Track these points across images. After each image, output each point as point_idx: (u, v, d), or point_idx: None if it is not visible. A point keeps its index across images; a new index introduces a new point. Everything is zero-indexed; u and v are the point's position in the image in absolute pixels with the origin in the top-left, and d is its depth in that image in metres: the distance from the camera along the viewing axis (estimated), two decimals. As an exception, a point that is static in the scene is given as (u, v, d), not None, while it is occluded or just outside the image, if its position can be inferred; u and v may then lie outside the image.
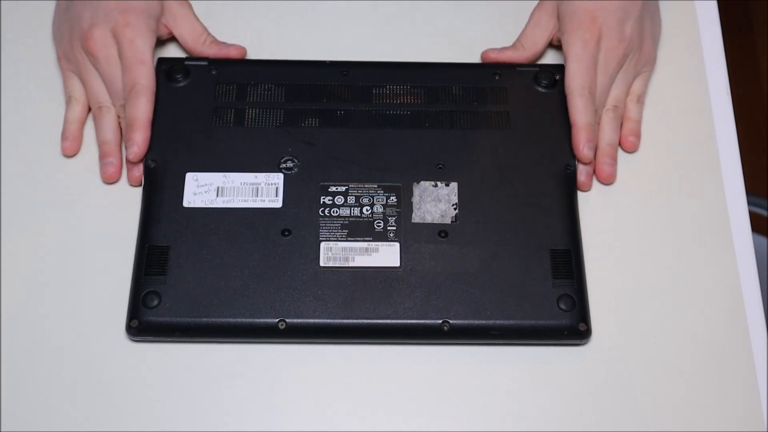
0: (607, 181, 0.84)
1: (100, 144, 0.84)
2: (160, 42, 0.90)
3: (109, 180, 0.83)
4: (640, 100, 0.87)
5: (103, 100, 0.84)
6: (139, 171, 0.82)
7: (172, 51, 0.89)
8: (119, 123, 0.84)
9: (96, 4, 0.84)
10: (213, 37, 0.88)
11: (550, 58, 0.90)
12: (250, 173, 0.82)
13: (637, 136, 0.86)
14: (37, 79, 0.88)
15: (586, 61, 0.84)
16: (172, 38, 0.89)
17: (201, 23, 0.88)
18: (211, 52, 0.87)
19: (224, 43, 0.88)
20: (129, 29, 0.83)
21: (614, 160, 0.84)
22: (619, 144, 0.86)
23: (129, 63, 0.83)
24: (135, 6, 0.84)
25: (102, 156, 0.84)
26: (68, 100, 0.86)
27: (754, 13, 1.92)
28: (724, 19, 0.95)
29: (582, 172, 0.83)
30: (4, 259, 0.80)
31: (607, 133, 0.85)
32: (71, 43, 0.85)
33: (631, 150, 0.86)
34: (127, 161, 0.83)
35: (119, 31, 0.83)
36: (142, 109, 0.82)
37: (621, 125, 0.86)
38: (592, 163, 0.84)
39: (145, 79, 0.83)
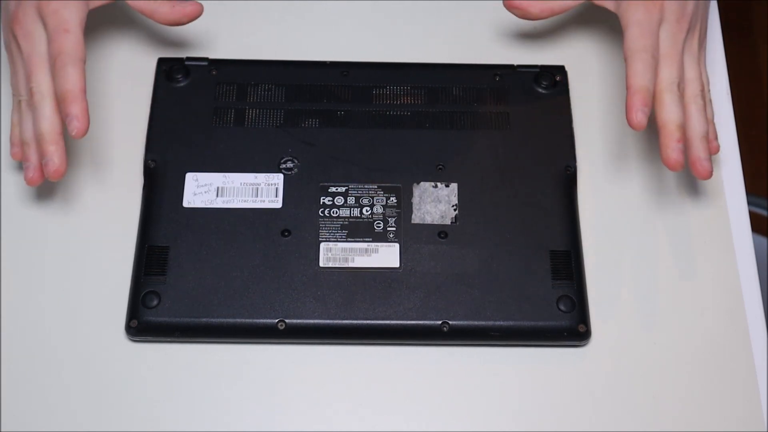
0: (708, 178, 0.78)
1: (21, 144, 0.78)
2: (160, 42, 0.90)
3: (32, 184, 0.77)
4: (710, 98, 0.82)
5: (22, 92, 0.78)
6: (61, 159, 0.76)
7: (172, 51, 0.89)
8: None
9: None
10: None
11: (551, 58, 0.90)
12: (250, 173, 0.82)
13: (717, 138, 0.81)
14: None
15: (649, 27, 0.78)
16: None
17: None
18: (164, 9, 0.82)
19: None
20: (52, 3, 0.76)
21: (707, 149, 0.78)
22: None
23: (52, 34, 0.76)
24: None
25: (24, 159, 0.77)
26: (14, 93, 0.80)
27: (754, 13, 1.92)
28: (724, 19, 0.95)
29: (672, 147, 0.75)
30: (3, 258, 0.80)
31: (699, 123, 0.78)
32: (7, 32, 0.80)
33: (715, 153, 0.80)
34: (73, 137, 0.75)
35: (42, 6, 0.76)
36: (72, 79, 0.74)
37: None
38: (676, 132, 0.76)
39: (70, 47, 0.75)
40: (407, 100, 0.86)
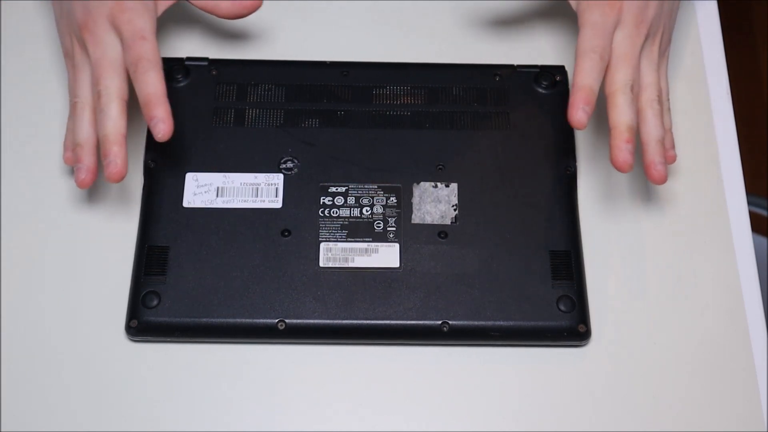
0: (660, 182, 0.77)
1: (74, 146, 0.78)
2: (160, 42, 0.89)
3: (81, 187, 0.78)
4: (668, 107, 0.82)
5: (82, 96, 0.79)
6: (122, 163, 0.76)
7: (172, 51, 0.89)
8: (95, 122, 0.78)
9: None
10: None
11: (551, 58, 0.90)
12: (250, 173, 0.82)
13: (674, 148, 0.80)
14: (37, 79, 0.88)
15: (603, 29, 0.78)
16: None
17: None
18: (226, 5, 0.84)
19: None
20: (125, 12, 0.78)
21: (663, 156, 0.77)
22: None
23: (129, 42, 0.77)
24: None
25: (76, 160, 0.78)
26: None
27: (754, 13, 1.92)
28: (724, 19, 0.95)
29: (620, 148, 0.75)
30: (4, 258, 0.80)
31: (655, 128, 0.78)
32: (70, 39, 0.82)
33: (671, 162, 0.80)
34: (158, 140, 0.76)
35: (115, 15, 0.79)
36: (154, 83, 0.76)
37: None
38: (626, 132, 0.76)
39: (149, 53, 0.77)
40: (407, 100, 0.86)
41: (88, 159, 0.77)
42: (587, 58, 0.76)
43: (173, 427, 0.75)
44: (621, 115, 0.76)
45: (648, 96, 0.79)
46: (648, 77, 0.79)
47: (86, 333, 0.77)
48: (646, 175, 0.78)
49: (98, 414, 0.75)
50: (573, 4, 0.82)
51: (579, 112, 0.75)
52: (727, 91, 0.90)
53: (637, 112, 0.78)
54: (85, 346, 0.77)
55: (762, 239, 1.26)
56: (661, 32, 0.81)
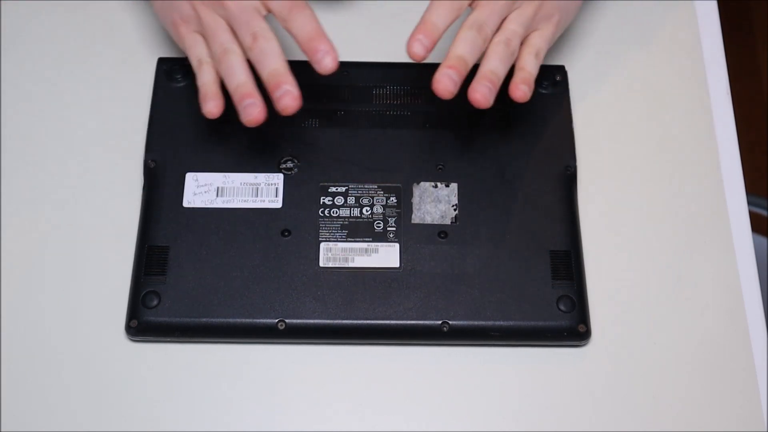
0: (480, 104, 0.76)
1: (234, 88, 0.77)
2: (160, 42, 0.90)
3: (255, 123, 0.76)
4: (539, 56, 0.80)
5: (227, 42, 0.77)
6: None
7: (172, 51, 0.89)
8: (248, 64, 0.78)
9: None
10: None
11: (551, 58, 0.90)
12: (250, 173, 0.82)
13: (530, 86, 0.78)
14: (38, 79, 0.88)
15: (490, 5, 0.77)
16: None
17: None
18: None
19: None
20: None
21: (494, 86, 0.76)
22: (510, 93, 0.78)
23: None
24: None
25: (241, 98, 0.76)
26: (198, 64, 0.79)
27: (754, 13, 1.92)
28: (724, 19, 0.95)
29: (442, 73, 0.75)
30: (4, 258, 0.80)
31: (492, 61, 0.77)
32: (190, 5, 0.79)
33: (522, 100, 0.78)
34: (322, 75, 0.76)
35: None
36: (311, 20, 0.76)
37: (513, 67, 0.79)
38: (452, 60, 0.76)
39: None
40: (407, 100, 0.86)
41: (257, 95, 0.77)
42: (467, 27, 0.77)
43: (173, 427, 0.75)
44: (457, 47, 0.77)
45: (498, 38, 0.78)
46: (510, 24, 0.79)
47: (86, 333, 0.77)
48: (469, 98, 0.76)
49: (98, 414, 0.75)
50: None
51: (416, 43, 0.76)
52: (727, 91, 0.90)
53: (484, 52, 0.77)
54: (85, 346, 0.77)
55: (762, 239, 1.26)
56: (552, 5, 0.80)
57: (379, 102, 0.86)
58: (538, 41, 0.81)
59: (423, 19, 0.76)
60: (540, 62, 0.80)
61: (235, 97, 0.77)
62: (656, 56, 0.90)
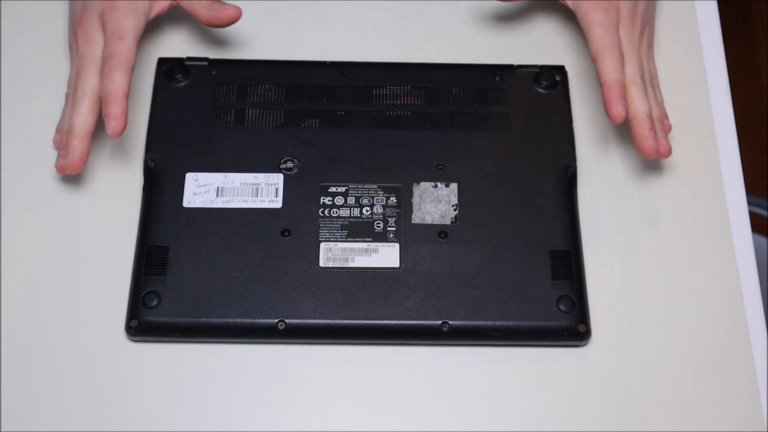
0: (668, 155, 0.81)
1: (58, 133, 0.82)
2: (160, 42, 0.90)
3: (59, 172, 0.81)
4: (658, 84, 0.86)
5: (69, 87, 0.83)
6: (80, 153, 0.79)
7: (172, 51, 0.89)
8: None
9: None
10: None
11: (551, 58, 0.90)
12: (250, 173, 0.82)
13: (668, 117, 0.84)
14: (37, 79, 0.88)
15: (610, 26, 0.82)
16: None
17: None
18: (203, 12, 0.85)
19: (218, 2, 0.85)
20: (114, 10, 0.82)
21: (666, 134, 0.82)
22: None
23: (108, 40, 0.81)
24: None
25: (58, 146, 0.82)
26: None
27: (754, 13, 1.92)
28: (724, 19, 0.95)
29: (646, 137, 0.80)
30: (4, 258, 0.80)
31: (655, 108, 0.83)
32: (72, 34, 0.84)
33: (668, 131, 0.83)
34: (109, 136, 0.79)
35: (105, 15, 0.82)
36: (117, 81, 0.79)
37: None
38: (648, 121, 0.80)
39: (121, 53, 0.80)
40: (407, 100, 0.86)
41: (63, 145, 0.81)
42: (608, 54, 0.81)
43: (173, 427, 0.75)
44: (639, 105, 0.81)
45: (648, 82, 0.83)
46: (645, 65, 0.84)
47: (86, 333, 0.77)
48: (637, 149, 0.80)
49: (98, 414, 0.75)
50: (570, 4, 0.85)
51: (618, 106, 0.79)
52: (727, 91, 0.90)
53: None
54: (85, 346, 0.77)
55: (762, 239, 1.26)
56: (648, 25, 0.86)
57: (379, 102, 0.86)
58: (655, 67, 0.86)
59: (610, 82, 0.80)
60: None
61: (62, 141, 0.81)
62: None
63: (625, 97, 0.80)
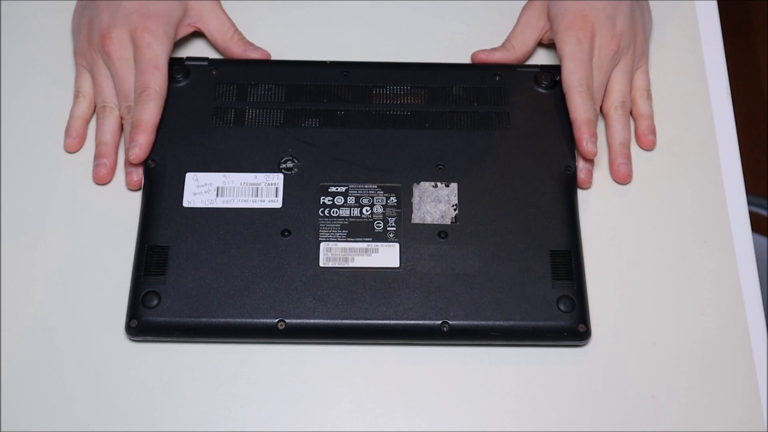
0: (625, 181, 0.84)
1: (98, 144, 0.84)
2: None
3: (100, 181, 0.83)
4: (649, 95, 0.87)
5: (109, 101, 0.85)
6: (138, 175, 0.82)
7: (174, 51, 0.89)
8: (121, 125, 0.84)
9: (116, 4, 0.84)
10: (241, 34, 0.89)
11: (548, 58, 0.90)
12: (250, 173, 0.82)
13: (654, 133, 0.86)
14: (38, 79, 0.88)
15: (581, 58, 0.84)
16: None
17: (229, 18, 0.89)
18: (237, 50, 0.88)
19: (252, 44, 0.88)
20: (147, 34, 0.83)
21: (629, 159, 0.85)
22: (638, 143, 0.86)
23: (144, 67, 0.83)
24: (155, 10, 0.84)
25: (97, 156, 0.83)
26: (76, 95, 0.86)
27: (754, 13, 1.92)
28: (724, 19, 0.95)
29: (582, 169, 0.83)
30: (4, 258, 0.80)
31: (618, 132, 0.85)
32: (89, 41, 0.85)
33: (650, 148, 0.86)
34: (127, 163, 0.82)
35: (138, 35, 0.83)
36: (150, 113, 0.82)
37: (634, 122, 0.87)
38: (592, 161, 0.83)
39: (157, 84, 0.83)
40: (407, 100, 0.86)
41: (110, 157, 0.83)
42: (576, 93, 0.83)
43: (173, 427, 0.75)
44: (615, 133, 0.85)
45: (612, 101, 0.86)
46: (617, 84, 0.86)
47: (86, 333, 0.77)
48: (610, 173, 0.84)
49: (98, 414, 0.75)
50: (552, 36, 0.87)
51: (589, 144, 0.82)
52: (727, 91, 0.90)
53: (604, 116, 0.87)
54: (85, 346, 0.77)
55: (762, 239, 1.26)
56: (635, 40, 0.87)
57: (379, 102, 0.86)
58: (643, 80, 0.88)
59: (579, 121, 0.83)
60: (651, 99, 0.87)
61: (95, 152, 0.84)
62: (656, 56, 0.90)
63: (595, 133, 0.82)
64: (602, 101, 0.86)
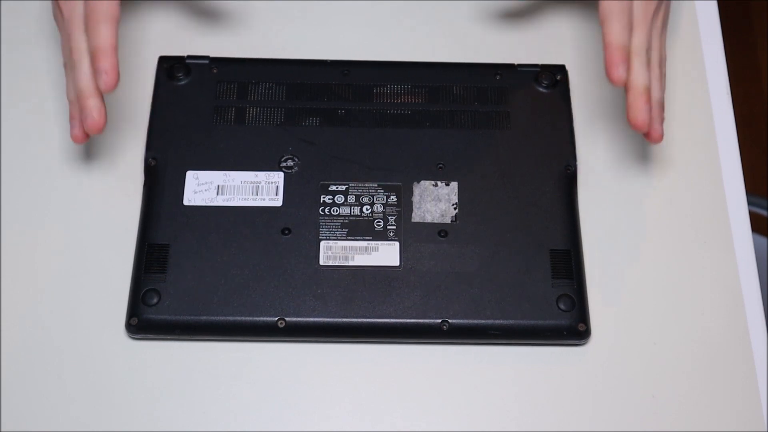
0: (659, 141, 0.80)
1: (69, 103, 0.80)
2: (161, 40, 0.90)
3: (76, 141, 0.79)
4: (665, 67, 0.83)
5: (64, 56, 0.80)
6: (79, 130, 0.78)
7: (173, 49, 0.89)
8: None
9: None
10: None
11: (551, 57, 0.90)
12: (250, 172, 0.82)
13: (663, 110, 0.82)
14: (37, 78, 0.88)
15: None
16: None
17: None
18: None
19: None
20: None
21: (662, 119, 0.80)
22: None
23: None
24: None
25: (70, 117, 0.79)
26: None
27: (754, 13, 1.92)
28: (724, 19, 0.95)
29: (639, 108, 0.77)
30: (4, 257, 0.80)
31: (656, 90, 0.80)
32: (54, 5, 0.82)
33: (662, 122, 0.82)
34: (103, 92, 0.77)
35: None
36: (103, 35, 0.76)
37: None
38: (644, 94, 0.78)
39: (102, 5, 0.77)
40: (408, 98, 0.86)
41: (78, 114, 0.78)
42: (616, 19, 0.78)
43: (173, 426, 0.75)
44: (638, 76, 0.78)
45: (654, 60, 0.80)
46: (655, 43, 0.81)
47: (86, 331, 0.77)
48: (629, 120, 0.78)
49: (98, 413, 0.75)
50: None
51: (619, 69, 0.77)
52: (727, 91, 0.90)
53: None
54: (85, 344, 0.77)
55: (762, 239, 1.26)
56: (664, 7, 0.83)
57: (379, 101, 0.86)
58: (665, 51, 0.83)
59: (614, 44, 0.77)
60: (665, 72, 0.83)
61: (69, 113, 0.79)
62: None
63: (627, 62, 0.77)
64: (649, 60, 0.80)
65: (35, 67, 0.89)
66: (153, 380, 0.76)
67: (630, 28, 0.79)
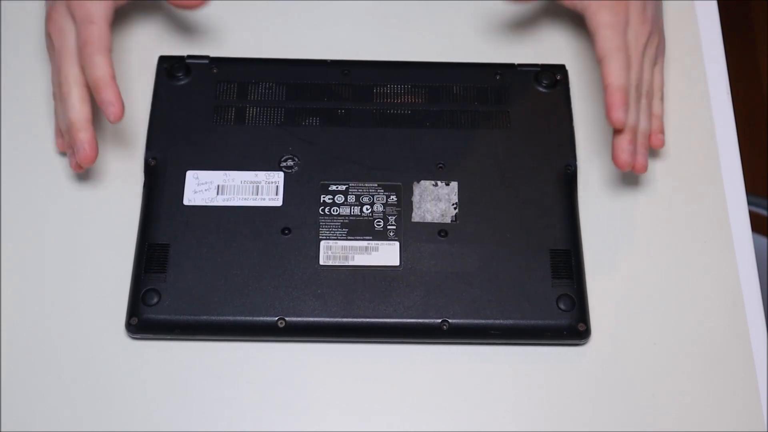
0: (642, 172, 0.81)
1: (62, 135, 0.81)
2: (161, 40, 0.90)
3: (77, 170, 0.80)
4: (662, 96, 0.85)
5: (54, 86, 0.81)
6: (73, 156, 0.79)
7: (173, 49, 0.89)
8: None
9: None
10: None
11: (551, 57, 0.90)
12: (250, 172, 0.82)
13: (663, 132, 0.84)
14: (37, 79, 0.88)
15: (619, 29, 0.80)
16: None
17: None
18: None
19: None
20: None
21: (647, 150, 0.81)
22: (648, 141, 0.83)
23: (79, 26, 0.78)
24: None
25: (65, 147, 0.81)
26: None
27: (754, 13, 1.92)
28: (724, 19, 0.95)
29: (623, 149, 0.79)
30: (4, 256, 0.80)
31: (642, 122, 0.81)
32: (46, 34, 0.82)
33: (660, 146, 0.83)
34: (111, 122, 0.78)
35: (72, 2, 0.79)
36: (101, 66, 0.77)
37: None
38: (628, 134, 0.79)
39: (96, 36, 0.77)
40: (408, 98, 0.86)
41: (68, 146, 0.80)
42: (615, 58, 0.79)
43: (173, 426, 0.75)
44: (628, 115, 0.79)
45: (642, 91, 0.82)
46: (645, 73, 0.82)
47: (86, 330, 0.77)
48: (612, 158, 0.79)
49: (98, 412, 0.75)
50: (578, 5, 0.83)
51: (619, 112, 0.78)
52: (727, 91, 0.90)
53: None
54: (85, 344, 0.77)
55: (762, 239, 1.26)
56: (658, 31, 0.84)
57: (379, 101, 0.86)
58: (660, 80, 0.85)
59: (615, 86, 0.78)
60: (663, 101, 0.85)
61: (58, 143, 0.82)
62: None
63: (627, 102, 0.78)
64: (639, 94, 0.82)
65: (35, 66, 0.89)
66: (153, 380, 0.76)
67: (628, 66, 0.80)
